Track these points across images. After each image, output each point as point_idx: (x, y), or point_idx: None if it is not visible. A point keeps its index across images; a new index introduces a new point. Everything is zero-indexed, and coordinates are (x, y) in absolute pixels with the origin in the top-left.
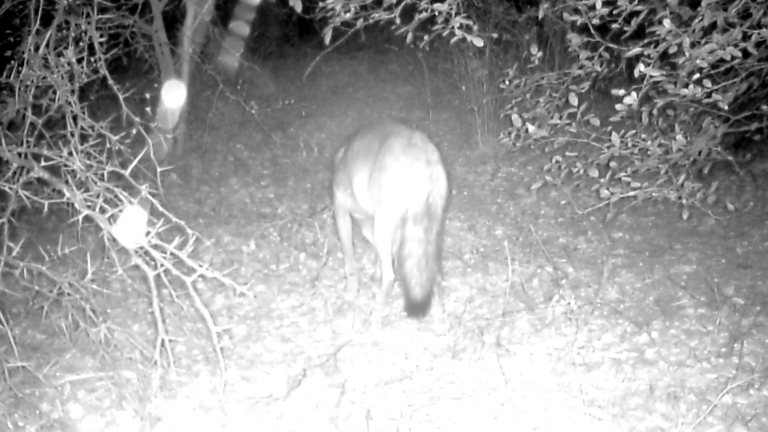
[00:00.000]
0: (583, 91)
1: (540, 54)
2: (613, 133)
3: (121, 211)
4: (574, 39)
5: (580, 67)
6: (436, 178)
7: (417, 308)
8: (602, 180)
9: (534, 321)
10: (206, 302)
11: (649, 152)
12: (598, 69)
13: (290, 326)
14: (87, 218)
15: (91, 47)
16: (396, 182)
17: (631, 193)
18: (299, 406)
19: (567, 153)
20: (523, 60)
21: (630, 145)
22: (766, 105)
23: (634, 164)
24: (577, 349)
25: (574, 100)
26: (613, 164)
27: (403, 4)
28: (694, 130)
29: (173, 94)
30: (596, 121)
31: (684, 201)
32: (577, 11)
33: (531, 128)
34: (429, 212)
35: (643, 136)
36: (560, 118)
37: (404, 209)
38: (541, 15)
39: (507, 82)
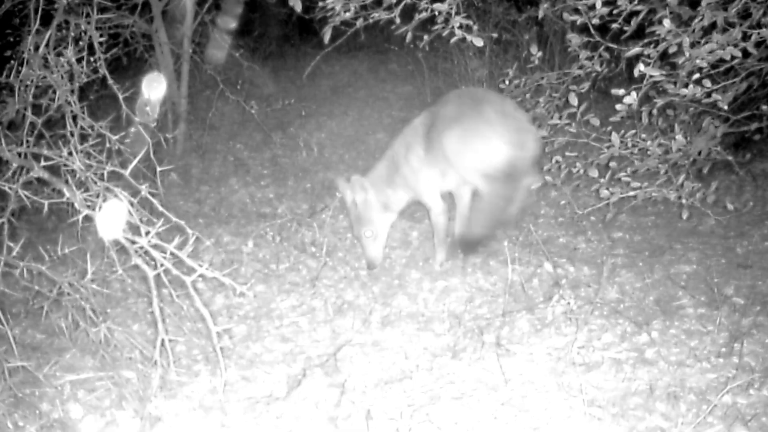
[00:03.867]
0: (583, 91)
1: (540, 54)
2: (613, 134)
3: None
4: (574, 39)
5: (580, 67)
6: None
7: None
8: (602, 180)
9: (534, 321)
10: (206, 302)
11: (648, 152)
12: (598, 69)
13: (290, 326)
14: (87, 218)
15: (90, 47)
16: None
17: (631, 193)
18: (299, 406)
19: (567, 153)
20: (523, 60)
21: (630, 145)
22: (765, 105)
23: (633, 164)
24: (577, 349)
25: (573, 100)
26: (612, 164)
27: (403, 3)
28: (694, 130)
29: (154, 87)
30: (596, 121)
31: (684, 201)
32: (577, 11)
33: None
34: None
35: (643, 136)
36: (560, 118)
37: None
38: (541, 15)
39: (507, 82)
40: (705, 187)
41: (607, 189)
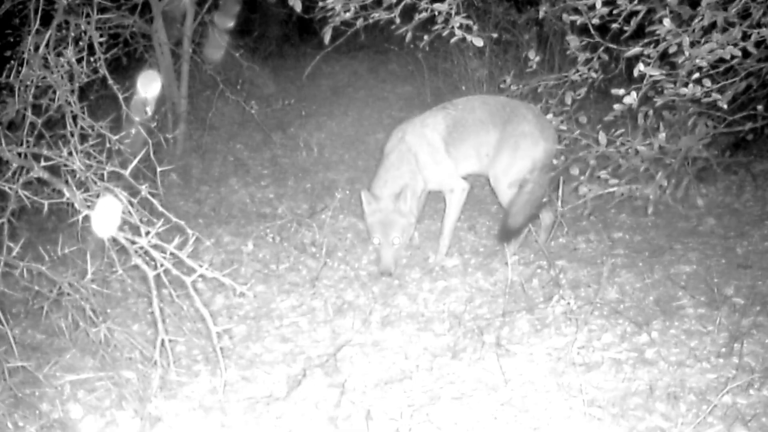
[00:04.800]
0: (579, 97)
1: (538, 58)
2: (601, 133)
3: (122, 211)
4: (573, 41)
5: (576, 72)
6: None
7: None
8: (582, 177)
9: (534, 321)
10: (206, 302)
11: (630, 151)
12: (594, 75)
13: (290, 326)
14: (87, 218)
15: (91, 47)
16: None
17: (609, 190)
18: (299, 406)
19: (562, 157)
20: (523, 60)
21: (618, 144)
22: (762, 105)
23: (617, 163)
24: (577, 349)
25: (568, 99)
26: (592, 162)
27: (403, 4)
28: (687, 130)
29: (149, 84)
30: (584, 119)
31: (651, 196)
32: (576, 11)
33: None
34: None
35: (629, 138)
36: (556, 116)
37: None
38: (541, 15)
39: (506, 82)
40: (678, 183)
41: (586, 186)
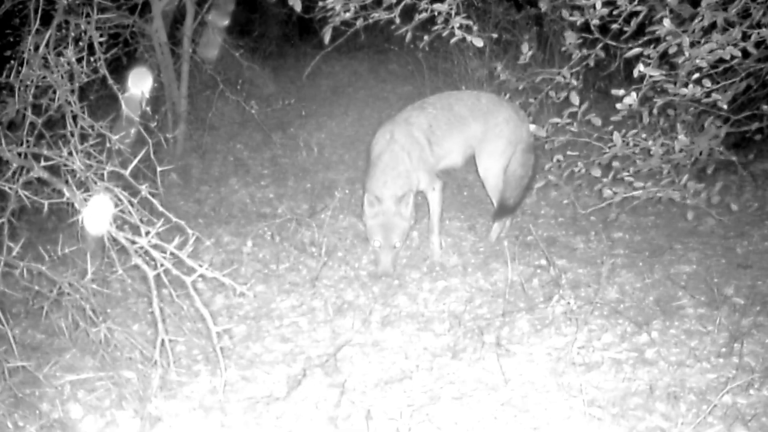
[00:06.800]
0: (559, 100)
1: (531, 53)
2: (615, 133)
3: (122, 211)
4: (570, 37)
5: (566, 76)
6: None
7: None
8: (605, 180)
9: (534, 321)
10: (206, 302)
11: (651, 152)
12: (574, 83)
13: (290, 326)
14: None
15: (91, 47)
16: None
17: (635, 193)
18: (299, 406)
19: (568, 152)
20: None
21: (631, 144)
22: (766, 105)
23: (636, 164)
24: (577, 349)
25: (575, 99)
26: (615, 164)
27: (403, 4)
28: (696, 130)
29: (139, 80)
30: (597, 121)
31: (689, 201)
32: (576, 8)
33: (532, 127)
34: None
35: (644, 135)
36: (561, 117)
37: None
38: (543, 8)
39: (497, 69)
40: (708, 187)
41: (611, 189)
